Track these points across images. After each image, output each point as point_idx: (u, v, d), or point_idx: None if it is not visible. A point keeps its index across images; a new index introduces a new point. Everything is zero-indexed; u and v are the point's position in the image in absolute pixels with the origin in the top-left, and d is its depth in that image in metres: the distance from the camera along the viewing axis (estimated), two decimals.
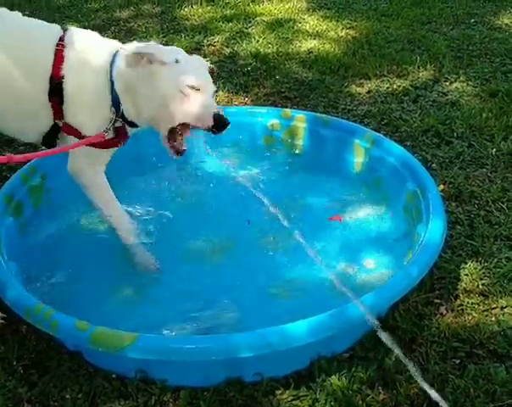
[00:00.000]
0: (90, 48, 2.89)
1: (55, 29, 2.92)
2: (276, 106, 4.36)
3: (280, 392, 2.45)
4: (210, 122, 2.74)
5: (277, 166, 3.69)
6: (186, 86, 2.74)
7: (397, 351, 2.40)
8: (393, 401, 2.40)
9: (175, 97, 2.75)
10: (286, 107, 4.32)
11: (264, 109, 3.89)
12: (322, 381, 2.47)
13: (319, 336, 2.37)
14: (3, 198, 3.11)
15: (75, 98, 2.83)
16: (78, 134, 2.85)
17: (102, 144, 2.86)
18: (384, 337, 2.38)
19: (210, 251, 3.09)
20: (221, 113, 2.78)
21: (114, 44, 2.96)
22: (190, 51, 5.22)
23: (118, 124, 2.86)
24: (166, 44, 5.34)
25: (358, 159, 3.55)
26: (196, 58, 2.99)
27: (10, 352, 2.64)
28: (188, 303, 2.77)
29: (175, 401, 2.44)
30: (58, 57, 2.80)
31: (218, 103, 4.39)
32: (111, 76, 2.81)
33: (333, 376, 2.47)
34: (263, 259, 2.91)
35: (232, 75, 4.91)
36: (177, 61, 2.79)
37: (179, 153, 2.87)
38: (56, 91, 2.81)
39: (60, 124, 2.87)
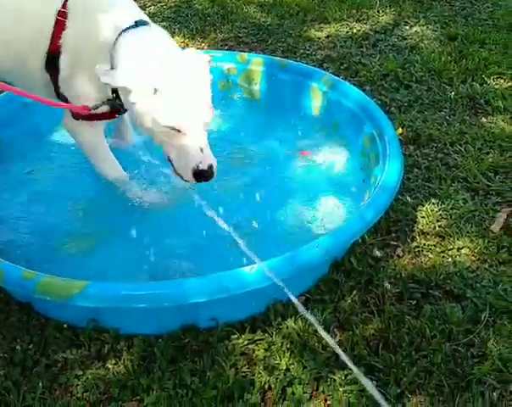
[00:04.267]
0: (93, 20, 2.57)
1: None
2: (234, 51, 4.25)
3: (235, 336, 2.42)
4: (187, 176, 2.42)
5: (234, 111, 3.61)
6: (164, 127, 2.38)
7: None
8: (349, 342, 2.38)
9: (155, 134, 2.45)
10: (244, 52, 4.21)
11: (219, 53, 3.78)
12: (278, 324, 2.44)
13: (273, 280, 2.33)
14: None
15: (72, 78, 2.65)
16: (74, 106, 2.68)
17: (96, 116, 2.70)
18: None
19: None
20: (203, 166, 2.38)
21: (124, 15, 2.59)
22: None
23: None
24: None
25: (315, 103, 3.48)
26: (186, 72, 2.45)
27: None
28: (141, 252, 2.71)
29: (128, 349, 2.39)
30: (58, 27, 2.59)
31: None
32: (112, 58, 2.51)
33: (289, 320, 2.45)
34: (218, 203, 2.84)
35: (189, 19, 4.79)
36: (155, 91, 2.35)
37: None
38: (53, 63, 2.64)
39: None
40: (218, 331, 2.42)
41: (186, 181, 2.49)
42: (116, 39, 2.52)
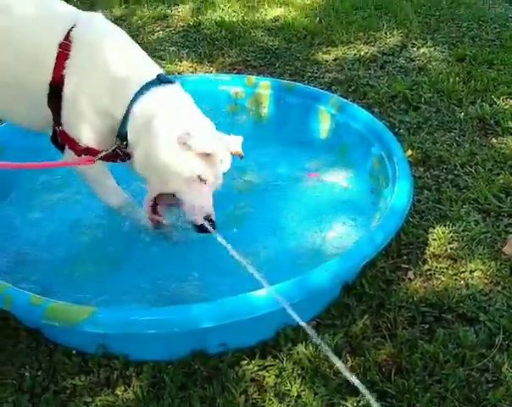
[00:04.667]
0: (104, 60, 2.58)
1: (64, 20, 2.62)
2: (242, 75, 4.26)
3: (245, 362, 2.39)
4: (198, 221, 2.57)
5: (242, 134, 3.59)
6: (197, 176, 2.54)
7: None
8: (361, 368, 2.35)
9: (172, 182, 2.56)
10: (252, 75, 4.22)
11: (227, 77, 3.80)
12: (288, 349, 2.41)
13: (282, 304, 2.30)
14: None
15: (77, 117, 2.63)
16: (73, 145, 2.67)
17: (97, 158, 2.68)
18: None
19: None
20: (212, 218, 2.59)
21: (147, 67, 2.67)
22: (153, 22, 5.15)
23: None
24: (127, 15, 5.25)
25: (323, 126, 3.47)
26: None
27: None
28: (149, 277, 2.70)
29: (138, 375, 2.36)
30: (60, 60, 2.58)
31: (181, 72, 4.31)
32: (128, 109, 2.57)
33: (299, 345, 2.42)
34: (226, 227, 2.82)
35: (197, 44, 4.82)
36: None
37: (157, 222, 2.74)
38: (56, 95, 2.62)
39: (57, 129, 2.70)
40: (228, 357, 2.39)
41: (192, 226, 2.61)
42: (140, 92, 2.56)
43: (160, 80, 2.61)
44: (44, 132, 2.83)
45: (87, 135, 2.65)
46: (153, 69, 2.68)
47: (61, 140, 2.72)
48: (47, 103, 2.65)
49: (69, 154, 2.75)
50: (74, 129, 2.66)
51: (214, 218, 2.58)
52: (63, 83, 2.60)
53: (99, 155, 2.64)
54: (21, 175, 3.24)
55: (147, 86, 2.58)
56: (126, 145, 2.62)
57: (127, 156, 2.66)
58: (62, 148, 2.78)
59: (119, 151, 2.64)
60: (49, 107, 2.66)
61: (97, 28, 2.68)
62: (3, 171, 3.00)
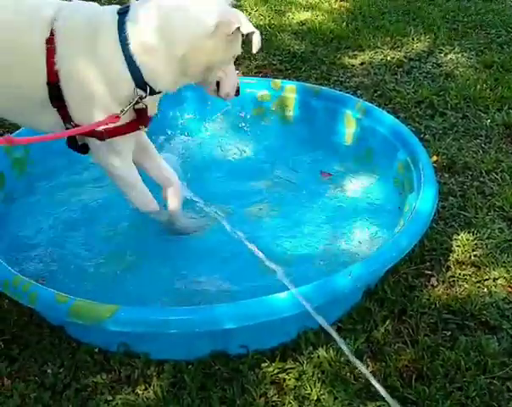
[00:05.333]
0: (86, 33, 2.48)
1: (45, 11, 2.49)
2: (268, 78, 4.27)
3: (266, 364, 2.39)
4: (232, 93, 2.77)
5: (267, 138, 3.61)
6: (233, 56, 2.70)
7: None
8: (382, 373, 2.34)
9: (214, 68, 2.62)
10: (278, 79, 4.23)
11: (253, 80, 3.80)
12: (309, 353, 2.41)
13: (305, 307, 2.30)
14: None
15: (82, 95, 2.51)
16: (92, 132, 2.54)
17: (120, 129, 2.55)
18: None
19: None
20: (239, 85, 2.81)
21: (106, 13, 2.53)
22: None
23: (139, 105, 2.54)
24: None
25: (349, 130, 3.47)
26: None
27: None
28: (173, 275, 2.72)
29: (158, 375, 2.38)
30: (50, 57, 2.45)
31: None
32: (129, 52, 2.46)
33: (320, 348, 2.41)
34: (248, 228, 2.84)
35: None
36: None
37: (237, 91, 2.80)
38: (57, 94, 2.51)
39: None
40: (248, 359, 2.40)
41: (226, 97, 2.77)
42: (121, 30, 2.46)
43: (122, 11, 2.51)
44: None
45: (104, 115, 2.52)
46: (110, 9, 2.56)
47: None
48: (52, 104, 2.54)
49: (96, 147, 2.65)
50: (89, 117, 2.53)
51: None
52: (59, 79, 2.49)
53: (125, 110, 2.50)
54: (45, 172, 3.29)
55: (120, 22, 2.48)
56: (146, 89, 2.53)
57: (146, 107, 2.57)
58: (81, 150, 2.71)
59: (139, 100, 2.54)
60: (54, 107, 2.55)
61: (73, 12, 2.56)
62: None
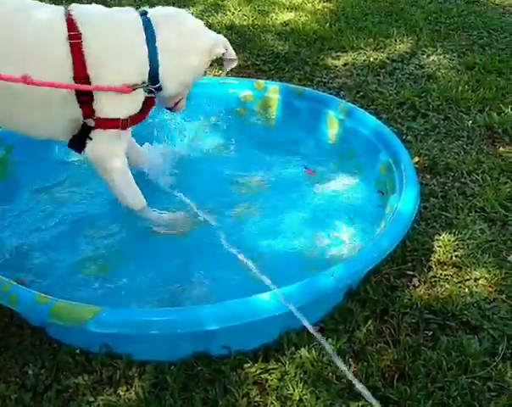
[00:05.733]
0: (114, 29, 2.71)
1: (58, 14, 2.63)
2: (251, 79, 4.27)
3: (248, 365, 2.39)
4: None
5: (250, 138, 3.61)
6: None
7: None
8: (364, 373, 2.35)
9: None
10: (261, 80, 4.23)
11: (236, 80, 3.81)
12: (291, 353, 2.41)
13: (287, 307, 2.30)
14: None
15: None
16: (116, 124, 2.73)
17: (139, 117, 2.81)
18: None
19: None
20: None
21: (129, 13, 2.79)
22: None
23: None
24: None
25: (332, 131, 3.48)
26: None
27: None
28: (154, 276, 2.71)
29: (140, 376, 2.37)
30: (76, 52, 2.59)
31: None
32: (154, 47, 2.72)
33: (302, 349, 2.41)
34: (231, 229, 2.84)
35: None
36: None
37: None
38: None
39: (92, 122, 2.71)
40: (230, 360, 2.39)
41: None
42: (142, 17, 2.75)
43: (144, 12, 2.79)
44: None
45: (130, 104, 2.75)
46: (132, 10, 2.83)
47: (97, 127, 2.73)
48: (77, 100, 2.66)
49: (100, 136, 2.74)
50: (115, 108, 2.71)
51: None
52: (87, 73, 2.62)
53: (137, 87, 2.71)
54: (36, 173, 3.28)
55: (144, 22, 2.73)
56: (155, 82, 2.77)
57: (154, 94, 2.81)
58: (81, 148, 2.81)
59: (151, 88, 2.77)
60: (80, 103, 2.67)
61: (86, 9, 2.74)
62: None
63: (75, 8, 2.68)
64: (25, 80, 2.46)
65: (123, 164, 2.84)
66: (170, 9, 2.94)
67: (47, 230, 3.01)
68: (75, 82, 2.62)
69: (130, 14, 2.79)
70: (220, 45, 2.93)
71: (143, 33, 2.72)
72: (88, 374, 2.38)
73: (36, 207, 3.14)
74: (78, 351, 2.44)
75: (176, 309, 2.40)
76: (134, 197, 2.92)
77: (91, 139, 2.76)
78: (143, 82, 2.73)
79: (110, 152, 2.79)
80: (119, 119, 2.72)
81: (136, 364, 2.40)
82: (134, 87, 2.70)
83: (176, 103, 3.05)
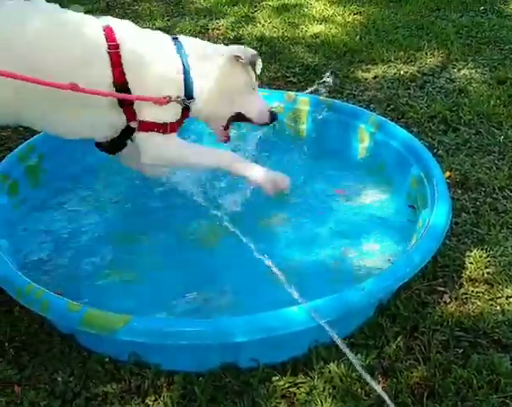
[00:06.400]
0: (149, 44, 2.84)
1: (97, 26, 2.76)
2: (281, 90, 4.27)
3: (276, 378, 2.38)
4: (267, 119, 3.02)
5: (279, 150, 3.61)
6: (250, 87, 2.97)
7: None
8: (393, 390, 2.32)
9: (236, 101, 2.96)
10: (291, 91, 4.23)
11: (266, 92, 3.80)
12: (320, 368, 2.40)
13: (317, 321, 2.29)
14: None
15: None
16: (160, 127, 2.80)
17: (177, 124, 2.88)
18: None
19: (209, 234, 3.03)
20: (271, 109, 3.06)
21: (162, 35, 2.93)
22: (194, 34, 5.18)
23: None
24: (170, 27, 5.31)
25: (362, 144, 3.47)
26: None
27: (1, 333, 2.58)
28: (185, 286, 2.71)
29: (169, 386, 2.37)
30: (115, 59, 2.71)
31: None
32: (185, 65, 2.83)
33: (332, 363, 2.40)
34: (260, 240, 2.83)
35: None
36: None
37: (228, 139, 3.08)
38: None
39: (134, 124, 2.82)
40: (259, 372, 2.39)
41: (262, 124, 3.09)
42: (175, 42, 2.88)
43: (176, 38, 2.91)
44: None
45: (170, 111, 2.81)
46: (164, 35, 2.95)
47: (140, 130, 2.82)
48: (118, 104, 2.76)
49: (144, 139, 2.83)
50: (156, 113, 2.78)
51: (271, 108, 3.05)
52: (126, 80, 2.72)
53: (174, 100, 2.79)
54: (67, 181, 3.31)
55: (177, 46, 2.86)
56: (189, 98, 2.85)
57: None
58: (108, 150, 2.95)
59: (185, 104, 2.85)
60: (121, 107, 2.76)
61: (123, 24, 2.85)
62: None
63: (112, 22, 2.80)
64: (73, 87, 2.55)
65: (177, 145, 2.88)
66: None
67: (77, 237, 3.04)
68: (115, 88, 2.72)
69: (158, 32, 2.95)
70: (236, 50, 2.95)
71: (175, 46, 2.86)
72: (117, 382, 2.39)
73: (66, 214, 3.17)
74: (107, 359, 2.45)
75: (207, 321, 2.39)
76: (213, 156, 2.93)
77: (132, 141, 2.88)
78: (178, 96, 2.81)
79: (164, 143, 2.85)
80: (159, 123, 2.80)
81: (165, 374, 2.40)
82: (169, 100, 2.77)
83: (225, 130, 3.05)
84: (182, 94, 2.83)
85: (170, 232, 2.99)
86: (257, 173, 2.87)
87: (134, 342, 2.31)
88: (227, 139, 3.09)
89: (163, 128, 2.80)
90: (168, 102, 2.77)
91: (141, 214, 3.09)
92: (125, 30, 2.80)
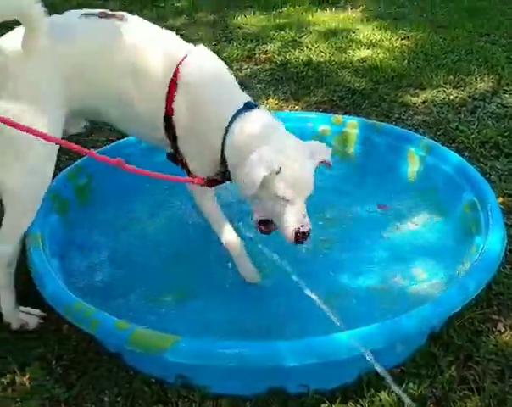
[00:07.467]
0: (209, 95, 2.73)
1: (176, 54, 2.77)
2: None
3: (326, 405, 2.32)
4: (290, 238, 2.57)
5: (327, 173, 3.57)
6: (277, 196, 2.56)
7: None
8: None
9: (267, 200, 2.60)
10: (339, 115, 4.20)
11: (314, 114, 3.79)
12: (371, 396, 2.34)
13: (369, 347, 2.23)
14: (49, 196, 3.06)
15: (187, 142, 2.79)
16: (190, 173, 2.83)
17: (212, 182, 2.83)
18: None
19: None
20: (304, 228, 2.54)
21: (238, 96, 2.78)
22: (242, 59, 5.21)
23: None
24: (217, 52, 5.35)
25: (412, 168, 3.41)
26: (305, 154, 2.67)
27: (50, 351, 2.59)
28: (235, 308, 2.70)
29: None
30: (171, 91, 2.72)
31: (269, 109, 4.32)
32: (225, 138, 2.69)
33: (383, 392, 2.33)
34: (308, 266, 2.80)
35: (283, 82, 4.84)
36: (279, 170, 2.53)
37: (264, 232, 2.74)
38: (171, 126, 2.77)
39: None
40: (308, 399, 2.33)
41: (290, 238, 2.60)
42: (234, 117, 2.68)
43: (247, 106, 2.71)
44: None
45: (201, 167, 2.80)
46: (241, 98, 2.78)
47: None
48: (164, 132, 2.80)
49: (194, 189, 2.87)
50: (189, 161, 2.81)
51: (305, 229, 2.55)
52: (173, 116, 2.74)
53: (209, 177, 2.77)
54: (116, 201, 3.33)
55: (238, 114, 2.68)
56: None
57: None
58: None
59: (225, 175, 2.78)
60: (166, 135, 2.80)
61: (200, 67, 2.77)
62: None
63: (187, 58, 2.76)
64: (120, 163, 2.51)
65: (208, 202, 2.88)
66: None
67: (124, 256, 3.06)
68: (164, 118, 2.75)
69: (230, 98, 2.77)
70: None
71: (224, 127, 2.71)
72: (164, 404, 2.36)
73: (115, 233, 3.19)
74: (153, 380, 2.43)
75: (256, 343, 2.35)
76: (221, 230, 2.87)
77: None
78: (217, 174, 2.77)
79: (198, 192, 2.88)
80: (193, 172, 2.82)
81: (211, 397, 2.37)
82: (208, 179, 2.76)
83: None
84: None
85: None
86: (246, 273, 2.86)
87: (181, 363, 2.28)
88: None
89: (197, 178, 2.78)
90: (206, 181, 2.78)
91: (191, 231, 3.07)
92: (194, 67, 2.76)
